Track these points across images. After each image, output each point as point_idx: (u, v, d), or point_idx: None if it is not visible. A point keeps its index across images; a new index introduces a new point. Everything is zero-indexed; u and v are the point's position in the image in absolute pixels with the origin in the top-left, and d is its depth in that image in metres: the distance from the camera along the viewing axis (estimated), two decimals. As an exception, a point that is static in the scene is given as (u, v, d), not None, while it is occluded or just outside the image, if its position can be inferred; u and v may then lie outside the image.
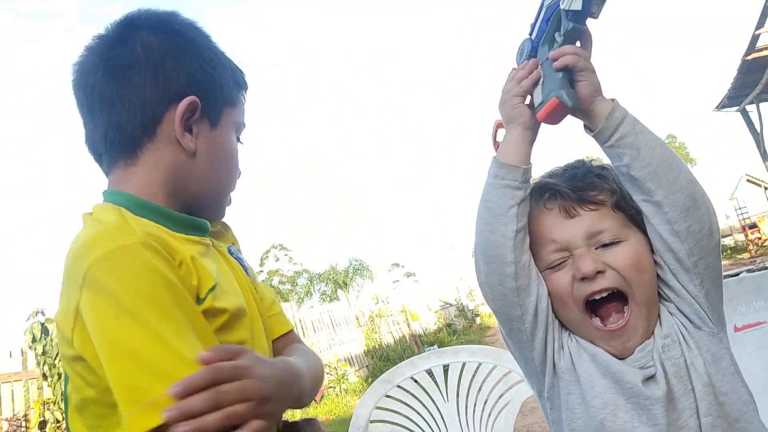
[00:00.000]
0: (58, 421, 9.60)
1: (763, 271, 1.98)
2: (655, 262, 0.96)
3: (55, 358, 9.63)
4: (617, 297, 0.93)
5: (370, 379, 10.57)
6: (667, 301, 0.96)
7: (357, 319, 12.81)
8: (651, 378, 0.90)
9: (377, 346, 12.11)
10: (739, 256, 17.24)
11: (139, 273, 0.80)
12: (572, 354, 0.97)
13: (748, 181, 18.78)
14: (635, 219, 0.96)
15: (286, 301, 13.14)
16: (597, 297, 0.93)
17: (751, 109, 11.45)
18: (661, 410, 0.87)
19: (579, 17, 0.93)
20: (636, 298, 0.92)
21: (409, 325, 14.16)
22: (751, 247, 17.17)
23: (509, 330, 1.00)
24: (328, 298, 22.30)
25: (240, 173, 1.06)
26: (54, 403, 9.62)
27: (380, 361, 11.60)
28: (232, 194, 1.06)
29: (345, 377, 10.09)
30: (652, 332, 0.94)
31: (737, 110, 11.66)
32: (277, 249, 34.40)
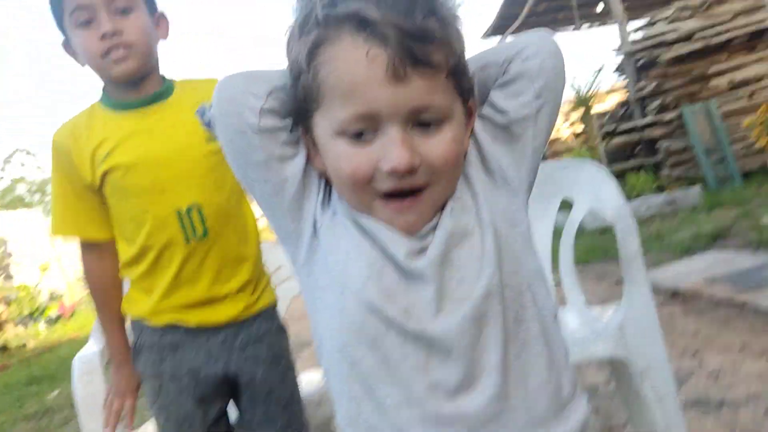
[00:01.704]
0: None
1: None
2: (491, 109, 0.80)
3: None
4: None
5: (129, 293, 9.94)
6: (477, 151, 0.80)
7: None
8: (421, 251, 0.74)
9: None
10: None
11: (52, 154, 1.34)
12: (338, 213, 0.78)
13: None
14: (462, 87, 0.75)
15: (32, 202, 11.58)
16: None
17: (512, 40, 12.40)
18: (432, 279, 0.73)
19: None
20: (436, 188, 0.74)
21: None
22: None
23: (251, 182, 0.79)
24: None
25: (105, 35, 1.25)
26: None
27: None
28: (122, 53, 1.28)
29: (101, 291, 9.33)
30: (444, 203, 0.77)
31: (500, 41, 12.53)
32: (23, 153, 30.64)
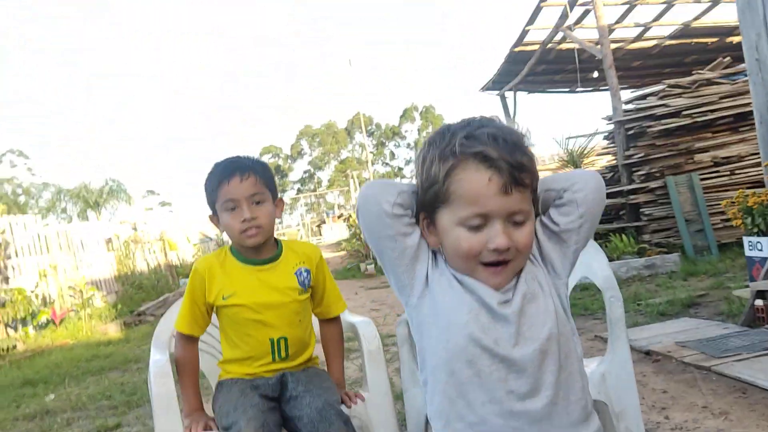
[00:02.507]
0: None
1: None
2: (549, 221, 1.17)
3: None
4: None
5: (119, 305, 10.05)
6: (538, 248, 1.18)
7: (110, 242, 12.02)
8: (507, 302, 1.10)
9: (130, 273, 11.53)
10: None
11: (191, 275, 1.89)
12: (445, 273, 1.13)
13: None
14: (535, 199, 1.14)
15: (23, 213, 11.64)
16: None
17: (509, 96, 12.89)
18: (513, 322, 1.09)
19: None
20: (518, 262, 1.11)
21: (166, 255, 13.67)
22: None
23: (381, 249, 1.14)
24: (73, 217, 20.48)
25: (246, 220, 1.81)
26: None
27: (132, 287, 11.07)
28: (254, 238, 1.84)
29: (91, 301, 9.47)
30: (519, 273, 1.13)
31: (497, 94, 13.02)
32: (14, 154, 30.35)
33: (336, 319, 2.02)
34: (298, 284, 1.90)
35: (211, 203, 1.89)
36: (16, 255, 8.87)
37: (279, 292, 1.88)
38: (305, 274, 1.92)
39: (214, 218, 1.92)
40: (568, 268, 1.19)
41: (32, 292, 8.46)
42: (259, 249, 1.89)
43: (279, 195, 1.96)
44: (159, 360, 1.83)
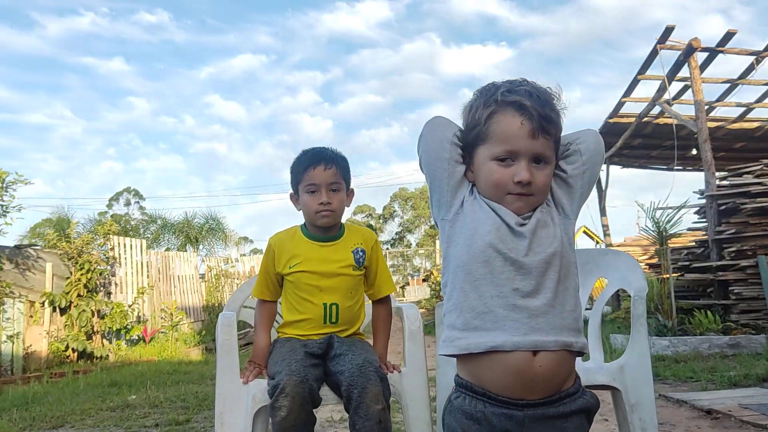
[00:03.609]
0: None
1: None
2: (558, 170, 1.40)
3: None
4: None
5: (203, 332, 10.60)
6: (551, 195, 1.41)
7: (204, 275, 12.74)
8: (524, 224, 1.33)
9: (217, 304, 12.14)
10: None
11: (265, 249, 2.26)
12: (477, 198, 1.37)
13: (584, 233, 20.52)
14: (557, 148, 1.38)
15: (133, 237, 12.45)
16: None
17: (602, 168, 12.81)
18: (527, 238, 1.30)
19: None
20: (536, 198, 1.34)
21: (253, 292, 14.22)
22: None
23: (435, 169, 1.38)
24: (173, 249, 21.71)
25: (322, 203, 2.13)
26: None
27: (217, 318, 11.63)
28: (326, 215, 2.17)
29: (178, 326, 10.05)
30: (536, 208, 1.36)
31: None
32: (130, 194, 32.52)
33: (386, 301, 2.27)
34: (354, 261, 2.19)
35: (295, 184, 2.21)
36: (120, 274, 9.62)
37: (337, 265, 2.17)
38: (361, 253, 2.21)
39: (294, 197, 2.24)
40: (575, 211, 1.41)
41: (129, 307, 9.11)
42: (326, 229, 2.20)
43: (351, 187, 2.27)
44: (227, 314, 2.13)
